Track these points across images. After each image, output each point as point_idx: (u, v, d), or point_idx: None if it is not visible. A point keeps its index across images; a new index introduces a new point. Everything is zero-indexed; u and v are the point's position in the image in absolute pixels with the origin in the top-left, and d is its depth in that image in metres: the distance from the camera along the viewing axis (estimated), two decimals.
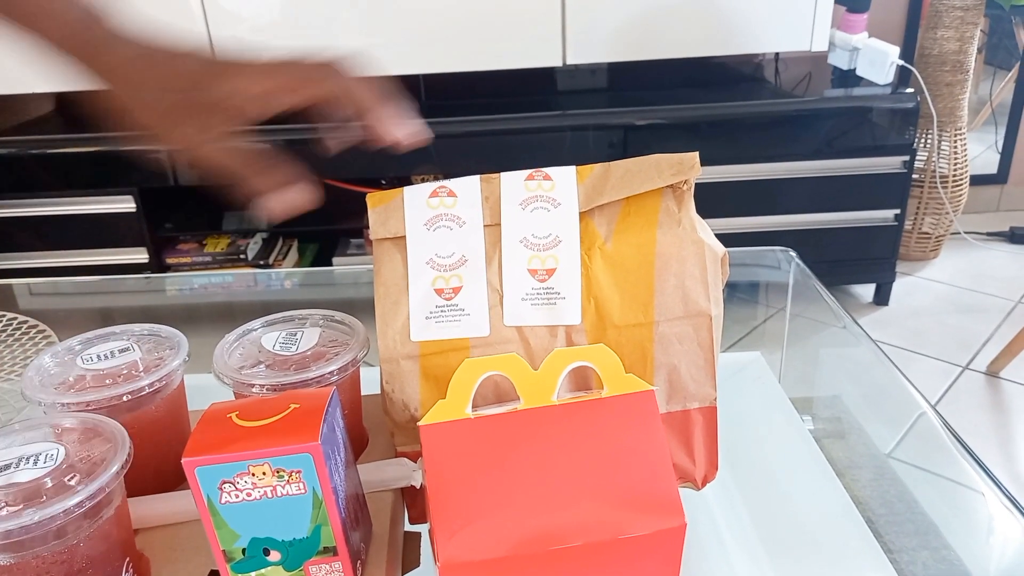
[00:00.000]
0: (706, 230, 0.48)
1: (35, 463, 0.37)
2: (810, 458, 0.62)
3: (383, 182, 1.77)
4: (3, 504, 0.35)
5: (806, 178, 1.71)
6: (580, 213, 0.47)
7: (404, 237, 0.47)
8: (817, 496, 0.58)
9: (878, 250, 1.79)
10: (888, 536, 0.53)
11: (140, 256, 1.73)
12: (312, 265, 1.91)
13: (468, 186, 0.48)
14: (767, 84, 1.88)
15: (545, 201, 0.47)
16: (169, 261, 1.77)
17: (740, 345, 0.79)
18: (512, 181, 0.48)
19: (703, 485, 0.50)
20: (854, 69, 1.80)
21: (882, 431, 0.72)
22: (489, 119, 1.69)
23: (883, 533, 0.53)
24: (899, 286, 1.94)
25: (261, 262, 1.80)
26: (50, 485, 0.36)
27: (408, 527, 0.48)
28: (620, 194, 0.46)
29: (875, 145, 1.71)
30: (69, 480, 0.36)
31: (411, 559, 0.46)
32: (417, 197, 0.47)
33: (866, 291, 1.94)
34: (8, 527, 0.33)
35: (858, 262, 1.80)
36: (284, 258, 1.86)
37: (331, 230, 1.92)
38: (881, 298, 1.90)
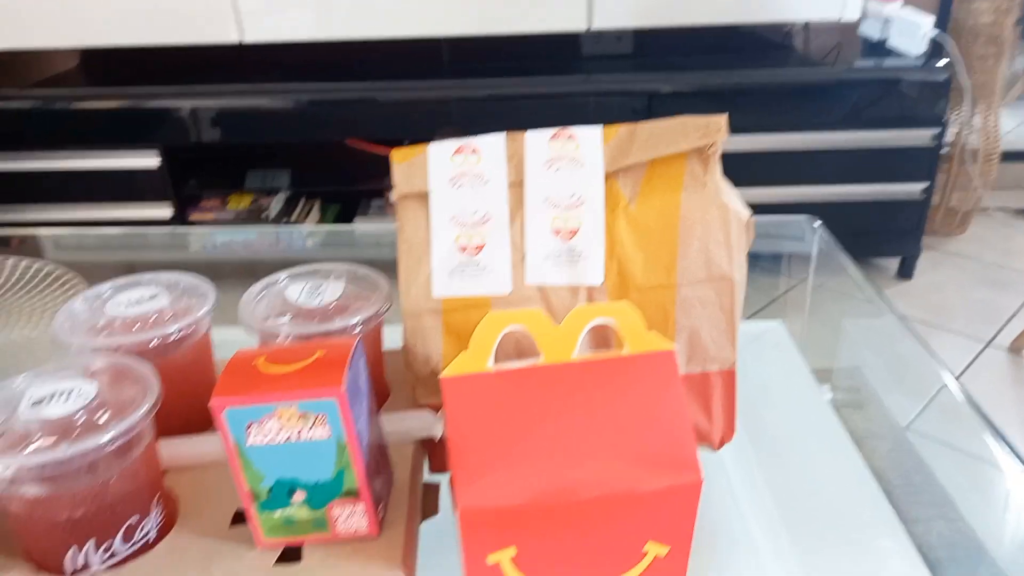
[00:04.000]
0: (732, 194, 0.47)
1: (67, 399, 0.38)
2: (828, 426, 0.62)
3: (406, 142, 1.77)
4: (37, 437, 0.36)
5: (833, 150, 1.69)
6: (605, 174, 0.47)
7: (428, 194, 0.47)
8: (833, 464, 0.58)
9: (904, 223, 1.77)
10: (903, 506, 0.53)
11: (164, 212, 1.75)
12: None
13: (493, 144, 0.48)
14: (795, 53, 1.85)
15: (570, 161, 0.47)
16: (192, 218, 1.79)
17: (761, 315, 0.78)
18: (537, 140, 0.48)
19: (720, 446, 0.51)
20: (886, 39, 1.76)
21: (901, 403, 0.72)
22: (512, 82, 1.68)
23: (899, 503, 0.53)
24: (924, 260, 1.92)
25: (283, 221, 1.82)
26: (82, 421, 0.37)
27: (427, 478, 0.49)
28: (646, 156, 0.46)
29: (905, 117, 1.68)
30: (100, 418, 0.37)
31: (430, 507, 0.47)
32: (441, 154, 0.48)
33: (890, 264, 1.92)
34: (42, 460, 0.35)
35: (883, 235, 1.78)
36: (306, 217, 1.87)
37: (353, 191, 1.92)
38: (905, 272, 1.88)
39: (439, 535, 0.46)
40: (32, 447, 0.36)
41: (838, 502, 0.54)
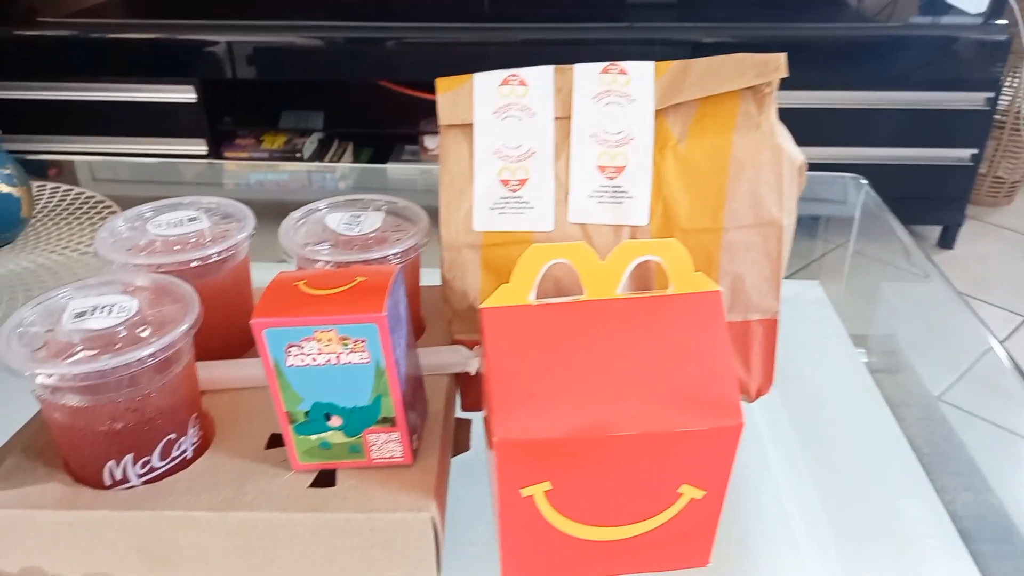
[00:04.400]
0: (786, 136, 0.46)
1: (109, 313, 0.38)
2: (863, 389, 0.61)
3: None
4: (80, 349, 0.36)
5: (879, 109, 1.64)
6: (655, 111, 0.45)
7: (472, 125, 0.46)
8: (866, 425, 0.57)
9: (949, 191, 1.72)
10: (931, 475, 0.52)
11: (199, 148, 1.75)
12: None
13: (540, 76, 0.46)
14: (847, 8, 1.78)
15: (619, 96, 0.46)
16: (226, 155, 1.79)
17: (798, 276, 0.77)
18: (586, 73, 0.46)
19: (756, 397, 0.50)
20: None
21: (935, 372, 0.70)
22: (552, 27, 1.64)
23: (926, 471, 0.52)
24: (967, 230, 1.87)
25: (316, 162, 1.81)
26: (123, 335, 0.37)
27: (459, 414, 0.49)
28: (698, 93, 0.45)
29: (958, 79, 1.62)
30: (141, 332, 0.37)
31: (461, 443, 0.47)
32: (488, 84, 0.46)
33: (931, 232, 1.88)
34: (85, 370, 0.35)
35: (926, 202, 1.74)
36: (339, 160, 1.87)
37: (386, 135, 1.91)
38: (946, 241, 1.84)
39: (469, 471, 0.46)
40: (75, 357, 0.36)
41: (869, 463, 0.53)
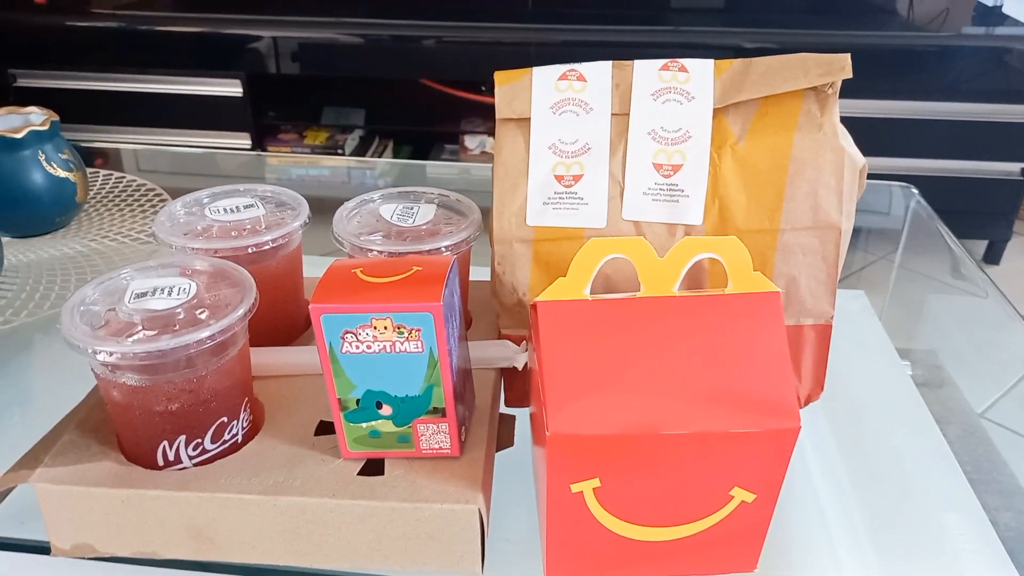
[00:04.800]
0: (848, 138, 0.45)
1: (169, 294, 0.38)
2: (908, 400, 0.60)
3: (483, 88, 1.75)
4: (140, 328, 0.37)
5: (927, 120, 1.61)
6: (714, 109, 0.45)
7: (529, 119, 0.46)
8: (910, 437, 0.56)
9: (996, 205, 1.69)
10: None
11: (243, 141, 1.78)
12: None
13: (599, 71, 0.46)
14: (898, 17, 1.76)
15: (678, 93, 0.45)
16: (270, 149, 1.81)
17: (843, 285, 0.76)
18: (646, 70, 0.46)
19: (806, 404, 0.49)
20: (1000, 4, 1.66)
21: (979, 389, 0.69)
22: (595, 29, 1.64)
23: (971, 490, 0.51)
24: (1014, 245, 1.83)
25: (357, 158, 1.83)
26: (182, 317, 0.38)
27: (503, 409, 0.49)
28: (759, 92, 0.44)
29: (1010, 90, 1.58)
30: (200, 314, 0.38)
31: (505, 438, 0.47)
32: (546, 79, 0.46)
33: (977, 247, 1.84)
34: (146, 349, 0.35)
35: (973, 215, 1.70)
36: (380, 156, 1.88)
37: (427, 132, 1.92)
38: (992, 256, 1.79)
39: (512, 466, 0.45)
40: (135, 337, 0.37)
41: (913, 476, 0.52)
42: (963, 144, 1.63)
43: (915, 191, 0.88)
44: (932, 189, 1.65)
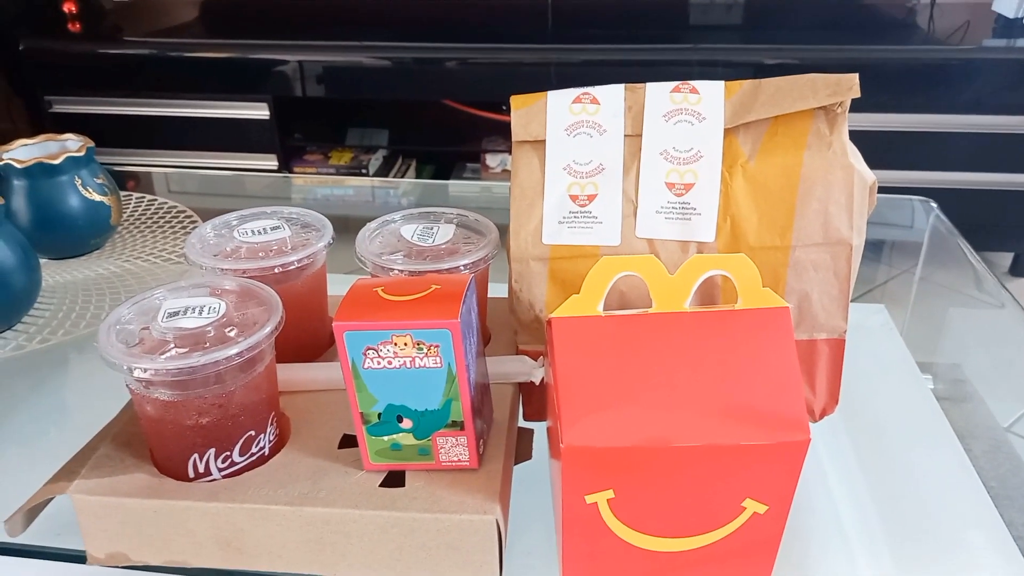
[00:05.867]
0: (857, 156, 0.46)
1: (200, 313, 0.40)
2: (929, 415, 0.60)
3: (504, 107, 1.78)
4: (172, 346, 0.39)
5: (949, 132, 1.60)
6: (725, 129, 0.46)
7: (544, 141, 0.47)
8: (931, 452, 0.56)
9: (1021, 217, 1.67)
10: (998, 508, 0.51)
11: (270, 163, 1.81)
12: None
13: (612, 94, 0.47)
14: (918, 31, 1.75)
15: (690, 114, 0.46)
16: (296, 170, 1.85)
17: (863, 299, 0.76)
18: (657, 92, 0.47)
19: (821, 417, 0.50)
20: (1021, 18, 1.65)
21: (1005, 403, 0.68)
22: (615, 48, 1.66)
23: (993, 506, 0.51)
24: None
25: (381, 178, 1.86)
26: (212, 334, 0.39)
27: (521, 423, 0.50)
28: (769, 112, 0.45)
29: None
30: (229, 332, 0.40)
31: (523, 452, 0.48)
32: (560, 102, 0.48)
33: (1003, 259, 1.82)
34: (178, 366, 0.37)
35: (997, 228, 1.69)
36: (403, 176, 1.91)
37: (448, 152, 1.95)
38: (1018, 269, 1.78)
39: (529, 479, 0.47)
40: (168, 354, 0.38)
41: (934, 491, 0.52)
42: (987, 156, 1.62)
43: (934, 205, 0.88)
44: (957, 202, 1.65)
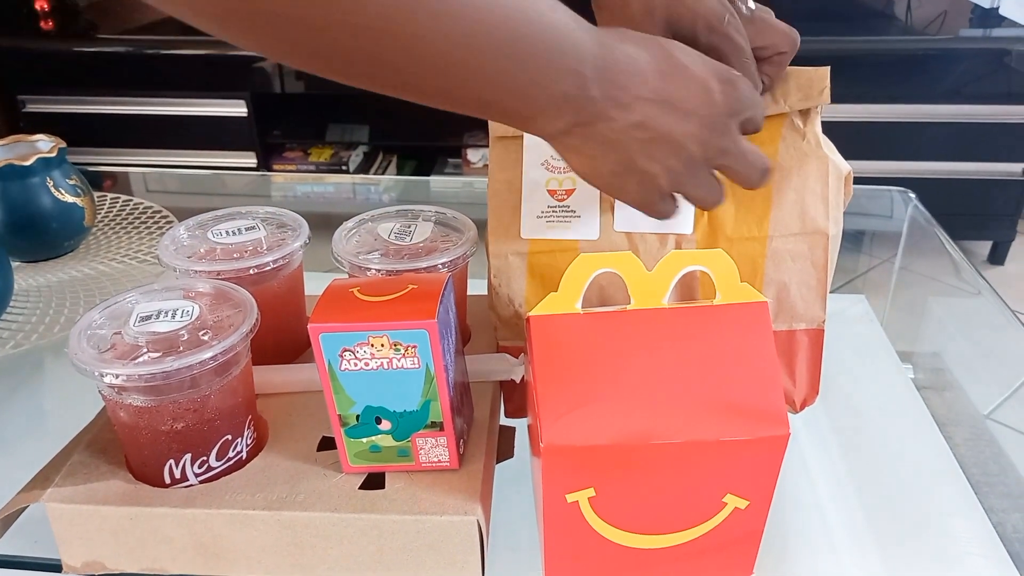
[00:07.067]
0: (831, 147, 0.46)
1: (173, 317, 0.40)
2: (909, 404, 0.60)
3: None
4: (145, 351, 0.38)
5: (927, 122, 1.61)
6: None
7: (521, 137, 0.47)
8: (912, 441, 0.56)
9: (999, 206, 1.69)
10: (978, 495, 0.51)
11: (249, 160, 1.80)
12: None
13: None
14: (896, 21, 1.76)
15: None
16: (275, 167, 1.83)
17: (843, 290, 0.76)
18: None
19: (801, 408, 0.50)
20: (997, 8, 1.66)
21: (983, 391, 0.69)
22: None
23: (974, 492, 0.51)
24: (1018, 245, 1.83)
25: (362, 174, 1.85)
26: (186, 338, 0.39)
27: (503, 421, 0.50)
28: None
29: (1010, 92, 1.59)
30: (203, 335, 0.39)
31: (505, 450, 0.48)
32: None
33: (981, 248, 1.84)
34: (151, 371, 0.36)
35: (976, 216, 1.70)
36: (384, 172, 1.90)
37: (430, 147, 1.94)
38: (996, 257, 1.79)
39: (512, 477, 0.46)
40: (140, 359, 0.38)
41: (915, 479, 0.52)
42: (965, 146, 1.63)
43: (912, 196, 0.89)
44: (935, 191, 1.66)
